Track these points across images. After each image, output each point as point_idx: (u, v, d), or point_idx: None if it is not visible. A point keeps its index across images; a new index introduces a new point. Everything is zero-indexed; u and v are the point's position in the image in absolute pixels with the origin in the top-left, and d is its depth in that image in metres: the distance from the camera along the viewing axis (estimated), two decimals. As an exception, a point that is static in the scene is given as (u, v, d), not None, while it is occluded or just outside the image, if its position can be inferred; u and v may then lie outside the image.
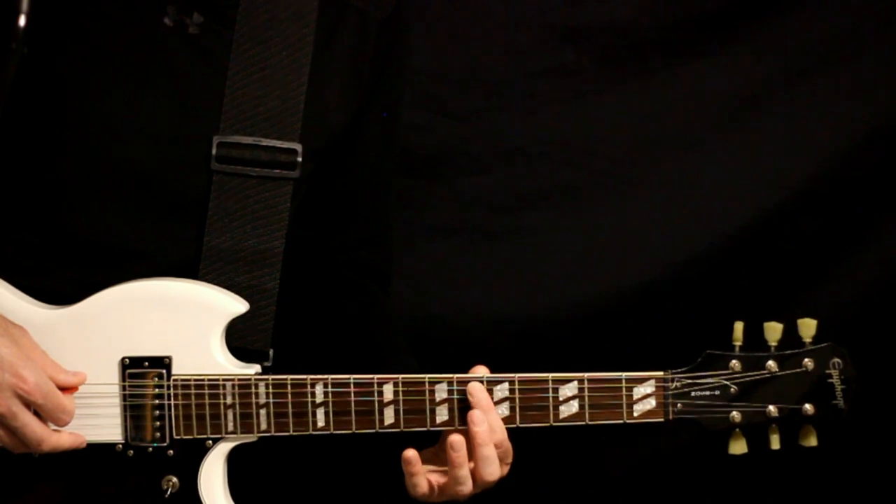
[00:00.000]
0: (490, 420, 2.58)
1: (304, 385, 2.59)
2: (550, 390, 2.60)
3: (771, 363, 2.59)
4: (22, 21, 2.32)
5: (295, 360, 2.73)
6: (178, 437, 2.60)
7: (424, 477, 2.61)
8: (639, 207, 3.74)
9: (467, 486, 2.59)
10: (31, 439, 2.48)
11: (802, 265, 3.76)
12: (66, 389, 2.54)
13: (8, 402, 2.45)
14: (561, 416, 2.60)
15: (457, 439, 2.57)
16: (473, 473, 2.59)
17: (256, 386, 2.59)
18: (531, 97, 3.68)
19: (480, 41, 3.66)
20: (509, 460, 2.63)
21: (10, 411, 2.45)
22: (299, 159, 2.70)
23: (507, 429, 2.60)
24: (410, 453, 2.59)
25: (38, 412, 2.50)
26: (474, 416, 2.58)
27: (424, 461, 2.63)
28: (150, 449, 2.60)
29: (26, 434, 2.48)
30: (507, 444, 2.60)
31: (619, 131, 3.73)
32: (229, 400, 2.59)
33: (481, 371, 2.63)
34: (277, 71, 2.69)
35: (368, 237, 2.97)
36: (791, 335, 2.59)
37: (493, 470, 2.58)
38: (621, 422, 2.60)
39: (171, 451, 2.60)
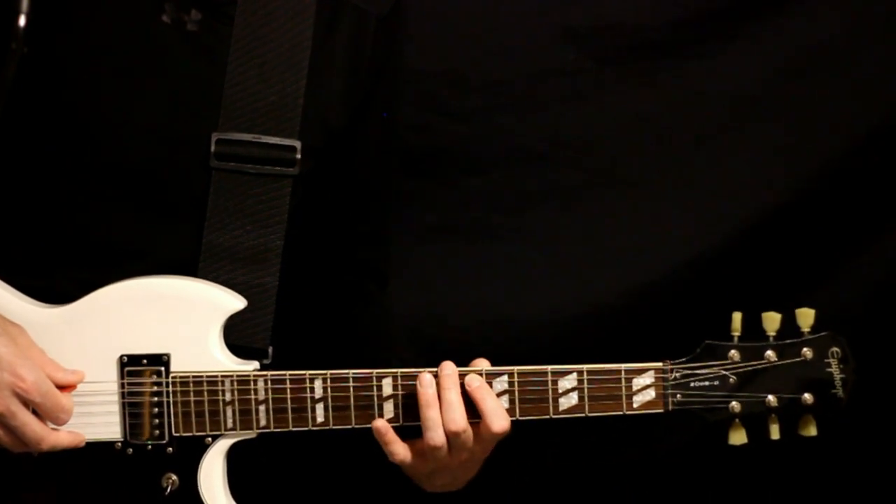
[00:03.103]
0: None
1: (303, 380, 2.59)
2: (550, 382, 2.60)
3: (770, 353, 2.59)
4: (22, 21, 2.33)
5: (294, 357, 2.73)
6: (178, 435, 2.60)
7: (401, 444, 2.61)
8: (639, 207, 3.73)
9: (438, 434, 2.57)
10: (31, 438, 2.48)
11: (802, 265, 3.75)
12: (64, 388, 2.54)
13: (7, 402, 2.45)
14: (560, 409, 2.61)
15: (427, 376, 2.58)
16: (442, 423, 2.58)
17: (255, 382, 2.59)
18: (531, 97, 3.67)
19: (480, 41, 3.65)
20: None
21: (8, 410, 2.45)
22: (298, 156, 2.70)
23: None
24: (380, 423, 2.59)
25: (37, 411, 2.49)
26: (443, 364, 2.60)
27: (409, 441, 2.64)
28: (150, 447, 2.60)
29: (25, 433, 2.48)
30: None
31: (619, 131, 3.72)
32: (228, 396, 2.59)
33: (482, 364, 2.63)
34: (276, 68, 2.70)
35: (367, 236, 2.97)
36: (789, 325, 2.60)
37: (456, 418, 2.57)
38: (621, 413, 2.61)
39: (171, 449, 2.60)
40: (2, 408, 2.45)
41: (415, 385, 2.59)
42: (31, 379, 2.46)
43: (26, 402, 2.48)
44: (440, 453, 2.58)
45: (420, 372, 2.60)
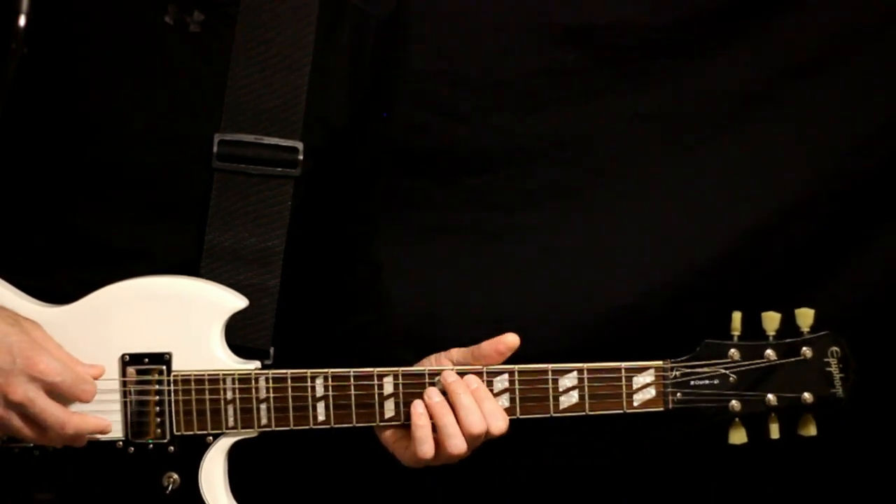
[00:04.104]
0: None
1: (305, 379, 2.60)
2: (550, 381, 2.60)
3: (769, 352, 2.60)
4: (22, 21, 2.33)
5: (295, 358, 2.73)
6: (179, 434, 2.60)
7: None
8: (639, 207, 3.74)
9: (460, 440, 2.57)
10: (53, 423, 2.45)
11: (802, 265, 3.76)
12: None
13: (23, 388, 2.42)
14: (561, 407, 2.61)
15: (430, 389, 2.59)
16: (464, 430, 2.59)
17: (256, 380, 2.60)
18: (531, 97, 3.69)
19: (480, 41, 3.66)
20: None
21: (26, 397, 2.42)
22: (300, 157, 2.70)
23: (509, 420, 2.61)
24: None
25: (59, 392, 2.45)
26: (445, 373, 2.60)
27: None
28: (151, 445, 2.60)
29: (47, 419, 2.44)
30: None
31: (619, 131, 3.73)
32: (229, 395, 2.60)
33: (511, 337, 2.63)
34: (278, 69, 2.70)
35: (367, 236, 2.98)
36: (789, 325, 2.60)
37: (477, 420, 2.56)
38: (621, 412, 2.61)
39: (172, 448, 2.60)
40: (20, 396, 2.42)
41: (416, 383, 2.60)
42: (45, 360, 2.43)
43: (45, 388, 2.44)
44: (457, 458, 2.60)
45: (421, 371, 2.61)
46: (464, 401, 2.58)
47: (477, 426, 2.57)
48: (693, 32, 3.70)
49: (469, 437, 2.58)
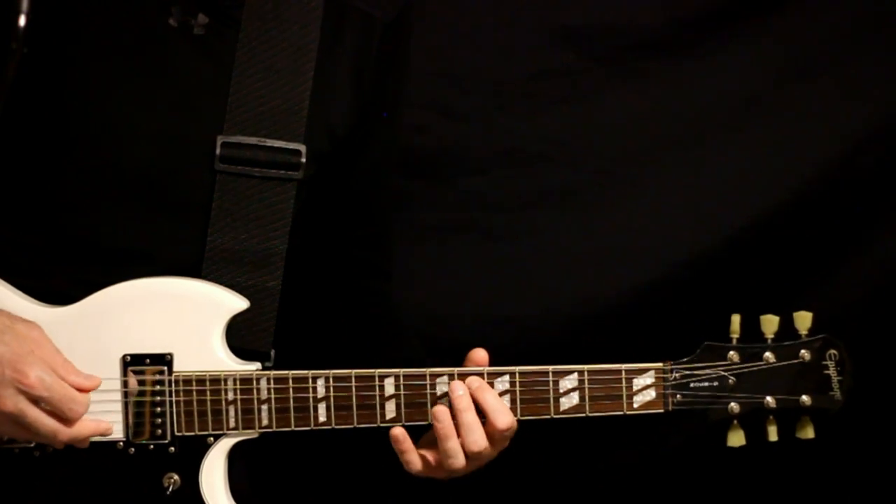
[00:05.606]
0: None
1: (306, 380, 2.60)
2: (551, 382, 2.61)
3: (768, 354, 2.61)
4: (22, 21, 2.33)
5: (296, 361, 2.73)
6: (180, 434, 2.60)
7: (417, 454, 2.62)
8: (639, 207, 3.74)
9: (459, 459, 2.59)
10: (46, 434, 2.47)
11: (802, 265, 3.76)
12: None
13: (14, 400, 2.43)
14: (561, 409, 2.62)
15: (440, 409, 2.58)
16: (462, 445, 2.60)
17: (258, 381, 2.60)
18: (531, 97, 3.69)
19: (480, 41, 3.66)
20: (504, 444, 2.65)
21: (17, 409, 2.44)
22: (303, 160, 2.71)
23: None
24: (398, 431, 2.60)
25: (47, 405, 2.46)
26: (453, 385, 2.60)
27: (424, 444, 2.65)
28: (152, 446, 2.61)
29: (39, 430, 2.46)
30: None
31: (619, 131, 3.73)
32: (231, 396, 2.60)
33: (480, 354, 2.64)
34: (282, 72, 2.70)
35: (369, 238, 2.97)
36: (787, 328, 2.61)
37: (477, 438, 2.58)
38: (621, 413, 2.62)
39: (173, 448, 2.61)
40: (11, 408, 2.43)
41: (416, 385, 2.60)
42: (33, 374, 2.44)
43: (34, 399, 2.45)
44: (459, 472, 2.61)
45: (422, 372, 2.62)
46: (466, 419, 2.58)
47: (477, 444, 2.57)
48: (693, 32, 3.70)
49: (471, 455, 2.59)
